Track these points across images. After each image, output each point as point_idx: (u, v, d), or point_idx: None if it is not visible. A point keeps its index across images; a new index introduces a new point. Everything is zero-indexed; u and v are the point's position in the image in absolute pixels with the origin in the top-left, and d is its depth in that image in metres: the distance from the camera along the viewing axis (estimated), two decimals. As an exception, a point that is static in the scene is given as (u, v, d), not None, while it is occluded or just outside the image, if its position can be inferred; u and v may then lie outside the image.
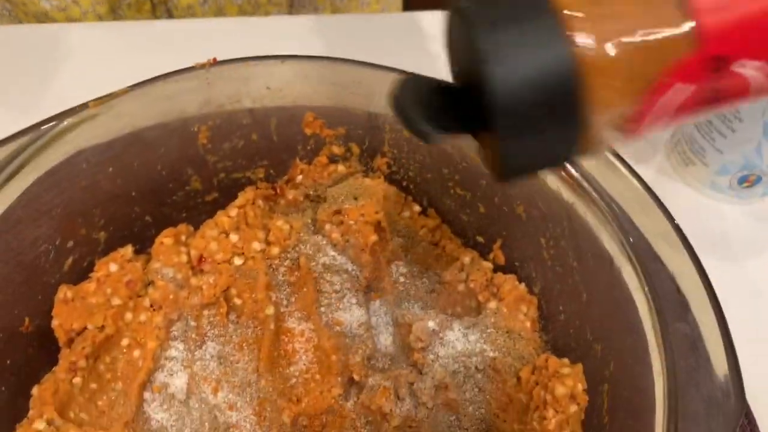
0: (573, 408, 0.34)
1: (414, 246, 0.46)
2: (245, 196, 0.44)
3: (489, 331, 0.40)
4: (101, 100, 0.38)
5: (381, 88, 0.42)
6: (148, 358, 0.39)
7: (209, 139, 0.43)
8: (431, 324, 0.39)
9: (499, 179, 0.27)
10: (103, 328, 0.39)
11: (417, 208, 0.46)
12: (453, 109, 0.26)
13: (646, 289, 0.35)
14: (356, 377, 0.40)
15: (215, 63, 0.40)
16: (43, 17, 0.62)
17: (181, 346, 0.41)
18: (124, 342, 0.39)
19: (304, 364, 0.41)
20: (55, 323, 0.38)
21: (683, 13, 0.22)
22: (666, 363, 0.32)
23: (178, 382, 0.40)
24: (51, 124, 0.36)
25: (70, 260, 0.40)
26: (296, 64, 0.42)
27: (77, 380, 0.37)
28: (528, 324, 0.41)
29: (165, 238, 0.42)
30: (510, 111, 0.23)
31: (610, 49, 0.23)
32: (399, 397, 0.38)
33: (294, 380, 0.40)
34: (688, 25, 0.22)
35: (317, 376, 0.40)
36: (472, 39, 0.23)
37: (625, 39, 0.23)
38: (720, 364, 0.33)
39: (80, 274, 0.40)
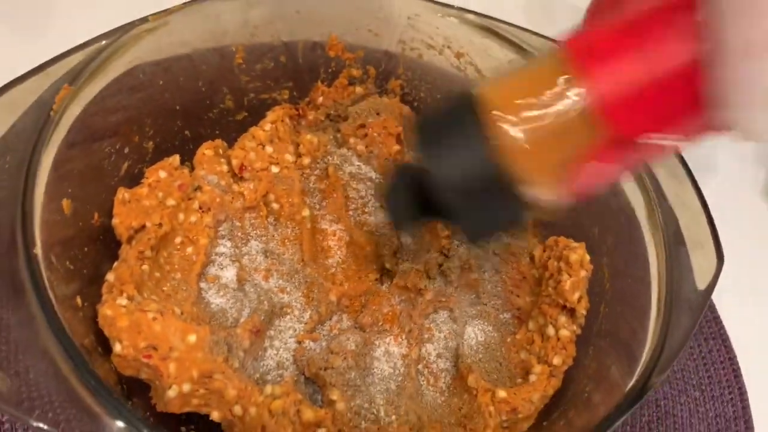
0: (583, 273, 0.41)
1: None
2: (276, 113, 0.49)
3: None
4: (159, 15, 0.41)
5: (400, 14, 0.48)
6: (200, 254, 0.43)
7: (244, 59, 0.47)
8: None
9: (471, 243, 0.40)
10: (160, 225, 0.43)
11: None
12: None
13: (641, 181, 0.42)
14: (388, 266, 0.45)
15: (255, -14, 0.44)
16: None
17: (228, 244, 0.45)
18: (178, 240, 0.43)
19: (340, 258, 0.46)
20: (115, 221, 0.42)
21: (586, 105, 0.27)
22: (661, 234, 0.39)
23: (229, 274, 0.44)
24: (117, 35, 0.40)
25: (125, 165, 0.43)
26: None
27: (145, 267, 0.41)
28: (531, 223, 0.48)
29: (206, 150, 0.47)
30: (454, 200, 0.30)
31: (527, 140, 0.28)
32: (430, 276, 0.44)
33: (333, 269, 0.45)
34: (594, 121, 0.27)
35: (353, 267, 0.45)
36: (418, 149, 0.31)
37: (539, 136, 0.27)
38: (705, 238, 0.40)
39: (133, 180, 0.44)
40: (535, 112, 0.27)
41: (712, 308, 0.54)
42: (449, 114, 0.30)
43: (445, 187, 0.29)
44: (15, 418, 0.27)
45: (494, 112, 0.28)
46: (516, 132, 0.27)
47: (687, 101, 0.26)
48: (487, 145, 0.28)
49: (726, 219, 0.60)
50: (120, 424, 0.29)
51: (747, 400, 0.49)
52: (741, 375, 0.51)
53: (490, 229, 0.33)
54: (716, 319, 0.53)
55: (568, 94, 0.27)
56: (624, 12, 0.27)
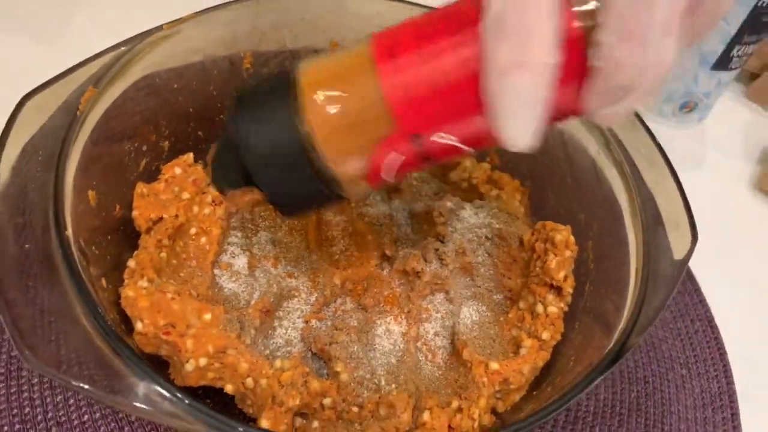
0: (567, 253, 0.44)
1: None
2: (282, 113, 0.52)
3: (494, 210, 0.49)
4: (173, 24, 0.45)
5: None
6: (213, 243, 0.47)
7: (252, 64, 0.51)
8: (449, 204, 0.48)
9: (283, 216, 0.39)
10: (176, 217, 0.46)
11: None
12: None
13: (622, 169, 0.45)
14: (388, 253, 0.48)
15: (262, -4, 0.48)
16: None
17: (239, 234, 0.48)
18: (192, 230, 0.47)
19: (344, 246, 0.49)
20: (135, 213, 0.45)
21: (383, 105, 0.29)
22: (640, 217, 0.42)
23: (240, 262, 0.47)
24: (135, 42, 0.43)
25: (144, 162, 0.47)
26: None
27: (163, 255, 0.44)
28: (522, 210, 0.51)
29: (218, 148, 0.50)
30: (260, 170, 0.32)
31: (327, 121, 0.30)
32: (427, 260, 0.47)
33: (338, 256, 0.48)
34: (385, 114, 0.30)
35: (356, 254, 0.48)
36: (230, 117, 0.33)
37: (339, 119, 0.30)
38: (681, 219, 0.43)
39: (150, 176, 0.48)
40: (336, 95, 0.30)
41: (699, 292, 0.57)
42: (265, 88, 0.32)
43: (250, 156, 0.32)
44: (58, 380, 0.30)
45: (303, 90, 0.31)
46: (318, 111, 0.30)
47: (466, 105, 0.28)
48: (293, 120, 0.31)
49: (714, 210, 0.63)
50: (153, 386, 0.32)
51: (731, 376, 0.52)
52: (725, 353, 0.53)
53: (297, 203, 0.36)
54: (702, 302, 0.56)
55: (364, 83, 0.30)
56: (429, 16, 0.30)
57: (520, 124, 0.27)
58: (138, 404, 0.31)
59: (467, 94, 0.28)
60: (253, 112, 0.32)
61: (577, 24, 0.26)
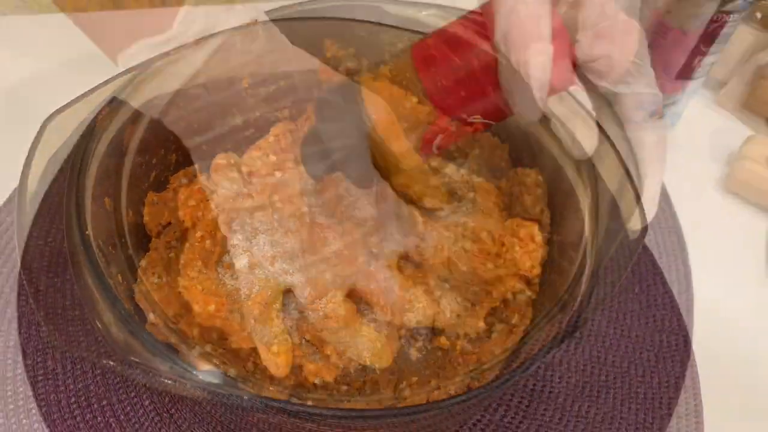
0: (532, 246, 0.49)
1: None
2: (278, 128, 0.58)
3: (469, 209, 0.54)
4: (177, 50, 0.50)
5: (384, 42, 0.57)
6: (217, 245, 0.52)
7: (249, 85, 0.57)
8: (429, 205, 0.53)
9: (359, 188, 0.51)
10: (183, 222, 0.51)
11: (414, 99, 0.59)
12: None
13: (580, 169, 0.50)
14: (374, 250, 0.53)
15: (257, 23, 0.54)
16: None
17: (240, 237, 0.54)
18: (198, 234, 0.52)
19: (336, 246, 0.54)
20: (146, 219, 0.51)
21: (426, 99, 0.40)
22: (596, 212, 0.47)
23: (242, 262, 0.53)
24: (144, 67, 0.49)
25: (153, 173, 0.53)
26: (315, 23, 0.56)
27: (172, 255, 0.49)
28: (496, 209, 0.56)
29: (220, 160, 0.56)
30: (340, 157, 0.45)
31: (388, 119, 0.41)
32: (409, 256, 0.52)
33: (329, 255, 0.53)
34: (428, 105, 0.40)
35: (345, 252, 0.53)
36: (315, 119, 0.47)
37: (395, 113, 0.41)
38: (633, 211, 0.48)
39: (159, 185, 0.53)
40: (390, 96, 0.41)
41: (665, 284, 0.62)
42: (339, 96, 0.44)
43: (333, 148, 0.44)
44: (84, 357, 0.36)
45: (366, 95, 0.42)
46: (378, 110, 0.41)
47: (486, 92, 0.39)
48: (362, 118, 0.42)
49: (685, 209, 0.68)
50: (169, 363, 0.37)
51: (694, 359, 0.57)
52: (690, 341, 0.58)
53: (368, 176, 0.48)
54: (668, 293, 0.61)
55: (410, 85, 0.41)
56: (450, 29, 0.40)
57: (529, 103, 0.37)
58: (159, 378, 0.36)
59: (486, 85, 0.39)
60: (332, 114, 0.44)
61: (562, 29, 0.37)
